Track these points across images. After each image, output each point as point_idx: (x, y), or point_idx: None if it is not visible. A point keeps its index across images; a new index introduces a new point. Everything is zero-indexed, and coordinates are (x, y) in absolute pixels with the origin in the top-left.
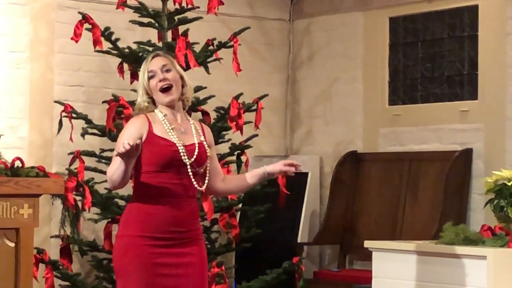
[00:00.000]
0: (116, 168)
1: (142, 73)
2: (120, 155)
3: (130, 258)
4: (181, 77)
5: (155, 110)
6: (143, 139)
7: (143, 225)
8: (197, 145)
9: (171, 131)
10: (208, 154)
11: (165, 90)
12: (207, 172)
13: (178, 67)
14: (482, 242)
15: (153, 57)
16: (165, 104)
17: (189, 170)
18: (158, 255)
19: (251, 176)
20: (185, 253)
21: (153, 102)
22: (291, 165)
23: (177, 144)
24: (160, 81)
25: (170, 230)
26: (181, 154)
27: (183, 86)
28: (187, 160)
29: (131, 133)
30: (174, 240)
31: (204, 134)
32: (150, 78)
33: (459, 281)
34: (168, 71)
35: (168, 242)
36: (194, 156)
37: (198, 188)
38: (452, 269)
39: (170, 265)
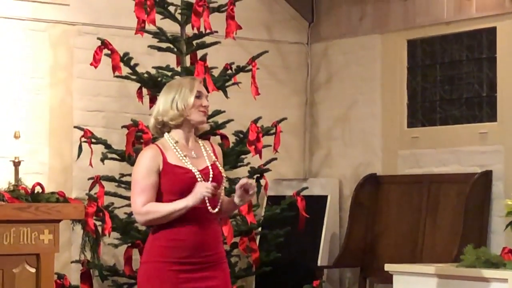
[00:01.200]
0: (171, 212)
1: (189, 90)
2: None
3: (155, 285)
4: None
5: (165, 136)
6: (160, 169)
7: (168, 250)
8: (210, 167)
9: (184, 158)
10: (222, 174)
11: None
12: (221, 193)
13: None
14: (503, 265)
15: (199, 81)
16: (197, 123)
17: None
18: (183, 280)
19: (232, 200)
20: (210, 277)
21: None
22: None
23: (193, 170)
24: (205, 106)
25: (194, 255)
26: (198, 179)
27: None
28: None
29: (148, 165)
30: (199, 265)
31: (215, 154)
32: (197, 97)
33: None
34: (207, 101)
35: (193, 267)
36: (210, 179)
37: (211, 211)
38: None
39: None
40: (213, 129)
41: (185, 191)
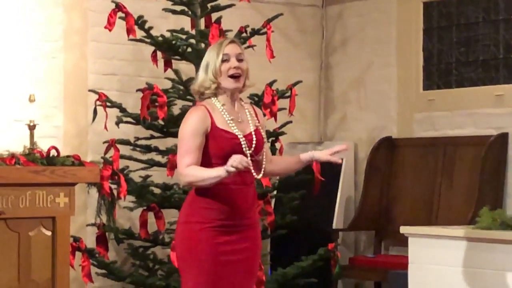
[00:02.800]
0: (207, 178)
1: (215, 55)
2: (230, 171)
3: (193, 246)
4: (247, 69)
5: (213, 99)
6: (208, 131)
7: (207, 212)
8: (253, 133)
9: (231, 122)
10: (264, 139)
11: (235, 77)
12: (263, 158)
13: (246, 59)
14: None
15: (229, 42)
16: (230, 90)
17: (249, 159)
18: (220, 242)
19: (297, 162)
20: (245, 238)
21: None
22: (337, 152)
23: (239, 136)
24: (234, 67)
25: (232, 217)
26: (243, 145)
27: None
28: (248, 150)
29: (196, 126)
30: (236, 227)
31: (257, 117)
32: (223, 61)
33: (496, 266)
34: (241, 60)
35: (230, 229)
36: (253, 146)
37: (256, 176)
38: (489, 254)
39: (232, 251)
40: None
41: (229, 155)
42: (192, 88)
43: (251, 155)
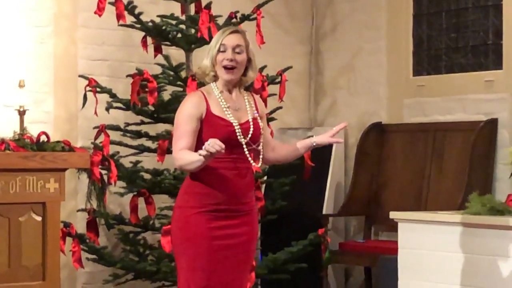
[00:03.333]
0: (191, 162)
1: (215, 42)
2: (205, 156)
3: (188, 230)
4: (249, 60)
5: (212, 85)
6: (203, 117)
7: (202, 197)
8: (251, 122)
9: (227, 109)
10: (261, 129)
11: (228, 69)
12: (261, 148)
13: (250, 50)
14: (508, 212)
15: (230, 32)
16: (224, 80)
17: (245, 148)
18: (215, 226)
19: (300, 146)
20: (241, 224)
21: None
22: (337, 131)
23: (234, 124)
24: (227, 59)
25: (228, 202)
26: (237, 133)
27: (247, 69)
28: (242, 139)
29: (191, 111)
30: (232, 212)
31: (256, 107)
32: (219, 51)
33: (485, 251)
34: (239, 53)
35: (225, 214)
36: (250, 135)
37: (255, 165)
38: (478, 239)
39: (226, 236)
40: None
41: (224, 142)
42: (196, 72)
43: (247, 144)
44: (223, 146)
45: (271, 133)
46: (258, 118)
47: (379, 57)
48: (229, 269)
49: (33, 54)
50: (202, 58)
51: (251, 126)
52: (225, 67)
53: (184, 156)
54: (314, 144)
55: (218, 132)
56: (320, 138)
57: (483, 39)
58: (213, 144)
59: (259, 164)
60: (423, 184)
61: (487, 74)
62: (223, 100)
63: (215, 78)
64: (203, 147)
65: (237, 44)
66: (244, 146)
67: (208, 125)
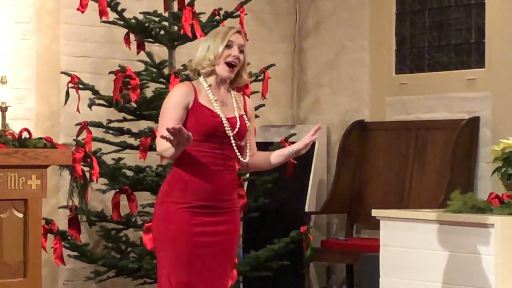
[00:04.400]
0: (166, 149)
1: (221, 39)
2: (169, 140)
3: (169, 226)
4: (244, 62)
5: (200, 79)
6: (189, 106)
7: (184, 193)
8: (238, 118)
9: (215, 102)
10: (248, 127)
11: (231, 65)
12: (247, 145)
13: (246, 52)
14: (490, 210)
15: (236, 31)
16: (221, 77)
17: (233, 141)
18: (197, 222)
19: (277, 155)
20: (223, 221)
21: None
22: (314, 133)
23: (221, 116)
24: (233, 56)
25: (210, 199)
26: (225, 125)
27: (240, 70)
28: (230, 132)
29: (178, 99)
30: (214, 209)
31: (245, 107)
32: (227, 46)
33: (467, 249)
34: (242, 52)
35: (207, 210)
36: (236, 129)
37: (242, 159)
38: (460, 237)
39: (208, 233)
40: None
41: (210, 134)
42: (189, 65)
43: (234, 138)
44: (190, 134)
45: (254, 131)
46: (245, 117)
47: (362, 55)
48: (210, 266)
49: (15, 50)
50: (185, 55)
51: (238, 122)
52: (229, 64)
53: (161, 141)
54: (292, 152)
55: (205, 122)
56: (297, 146)
57: (465, 38)
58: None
59: (246, 159)
60: (405, 182)
61: (469, 73)
62: (211, 93)
63: (210, 73)
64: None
65: (242, 44)
66: (232, 139)
67: (194, 114)
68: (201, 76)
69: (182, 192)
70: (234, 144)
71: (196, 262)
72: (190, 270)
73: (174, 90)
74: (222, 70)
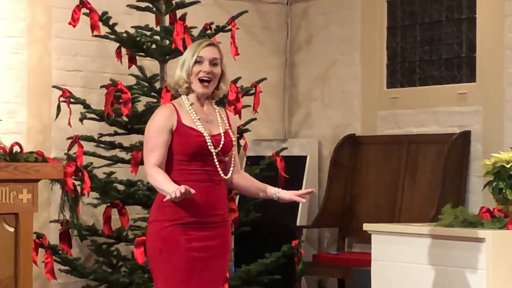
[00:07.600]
0: (161, 190)
1: (191, 54)
2: (167, 199)
3: (162, 244)
4: (222, 73)
5: (182, 97)
6: (173, 129)
7: (176, 210)
8: (222, 134)
9: (198, 121)
10: (233, 142)
11: (204, 81)
12: (232, 160)
13: (223, 63)
14: (481, 224)
15: (207, 45)
16: (197, 93)
17: (215, 159)
18: (190, 238)
19: (262, 190)
20: (215, 236)
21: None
22: (304, 194)
23: (205, 134)
24: (204, 71)
25: (202, 215)
26: (208, 144)
27: (220, 82)
28: (213, 149)
29: (162, 123)
30: (205, 224)
31: (229, 122)
32: (196, 62)
33: (458, 264)
34: (215, 65)
35: (199, 226)
36: (220, 146)
37: (223, 176)
38: (451, 251)
39: (201, 248)
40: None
41: (195, 154)
42: (168, 84)
43: (217, 155)
44: (193, 191)
45: (245, 145)
46: (230, 132)
47: (353, 69)
48: (203, 281)
49: (6, 64)
50: (176, 69)
51: (222, 138)
52: (201, 80)
53: (157, 177)
54: (275, 197)
55: (189, 143)
56: (284, 193)
57: (456, 52)
58: (179, 190)
59: (228, 176)
60: (396, 196)
61: (460, 87)
62: (193, 112)
63: (188, 90)
64: (174, 191)
65: (214, 57)
66: (214, 156)
67: (179, 136)
68: (184, 96)
69: (173, 208)
70: (216, 161)
71: (192, 278)
72: (185, 285)
73: (156, 114)
74: (197, 87)
